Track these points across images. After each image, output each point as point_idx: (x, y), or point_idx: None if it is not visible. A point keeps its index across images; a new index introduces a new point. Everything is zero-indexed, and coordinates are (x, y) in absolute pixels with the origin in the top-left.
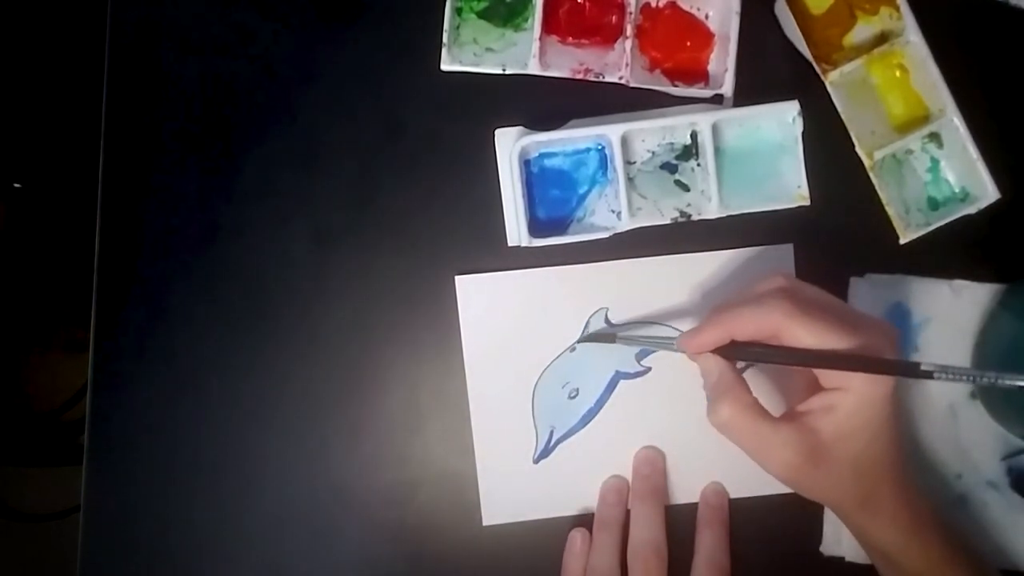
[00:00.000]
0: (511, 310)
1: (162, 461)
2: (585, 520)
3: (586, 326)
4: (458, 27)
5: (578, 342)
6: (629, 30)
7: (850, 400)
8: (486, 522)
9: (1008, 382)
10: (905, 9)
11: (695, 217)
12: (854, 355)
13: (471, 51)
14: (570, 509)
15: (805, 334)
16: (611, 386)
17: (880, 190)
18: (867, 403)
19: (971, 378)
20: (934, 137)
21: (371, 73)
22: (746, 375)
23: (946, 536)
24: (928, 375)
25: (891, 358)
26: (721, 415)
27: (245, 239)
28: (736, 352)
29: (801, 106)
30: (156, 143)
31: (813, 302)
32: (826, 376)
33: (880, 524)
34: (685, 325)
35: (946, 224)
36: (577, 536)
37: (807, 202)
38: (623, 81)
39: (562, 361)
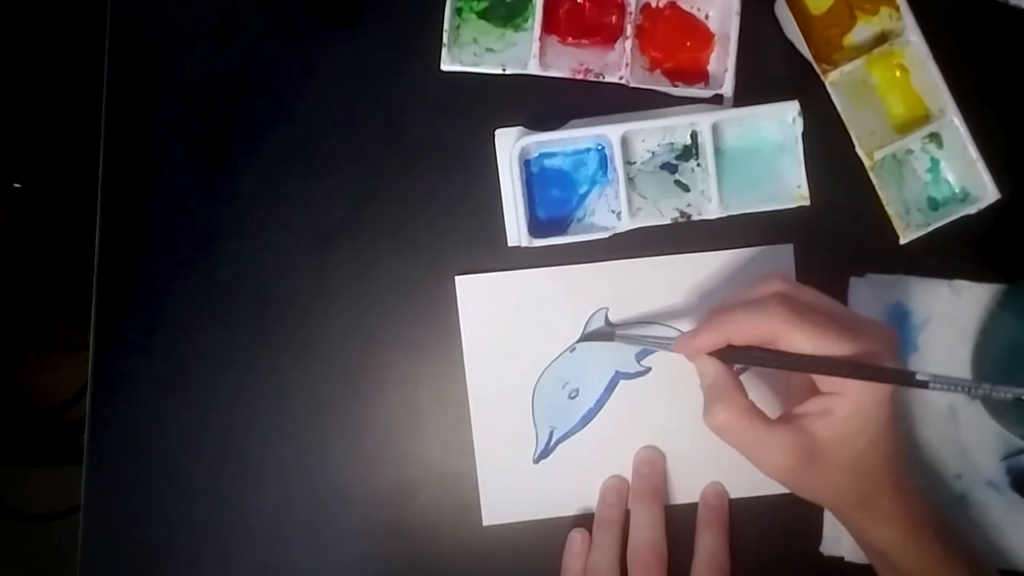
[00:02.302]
0: (511, 310)
1: (162, 461)
2: (585, 520)
3: (586, 326)
4: (458, 27)
5: (577, 342)
6: (629, 30)
7: (846, 405)
8: (486, 522)
9: (1002, 394)
10: (905, 9)
11: (695, 217)
12: (850, 362)
13: (471, 51)
14: (570, 509)
15: (802, 340)
16: (611, 386)
17: (880, 190)
18: (864, 408)
19: (966, 389)
20: (934, 137)
21: (371, 73)
22: (743, 376)
23: (945, 537)
24: (923, 384)
25: (888, 365)
26: (716, 417)
27: (245, 239)
28: (732, 355)
29: (801, 106)
30: (156, 143)
31: (811, 307)
32: (823, 380)
33: (878, 525)
34: (685, 325)
35: (946, 224)
36: (577, 536)
37: (807, 202)
38: (623, 81)
39: (562, 361)
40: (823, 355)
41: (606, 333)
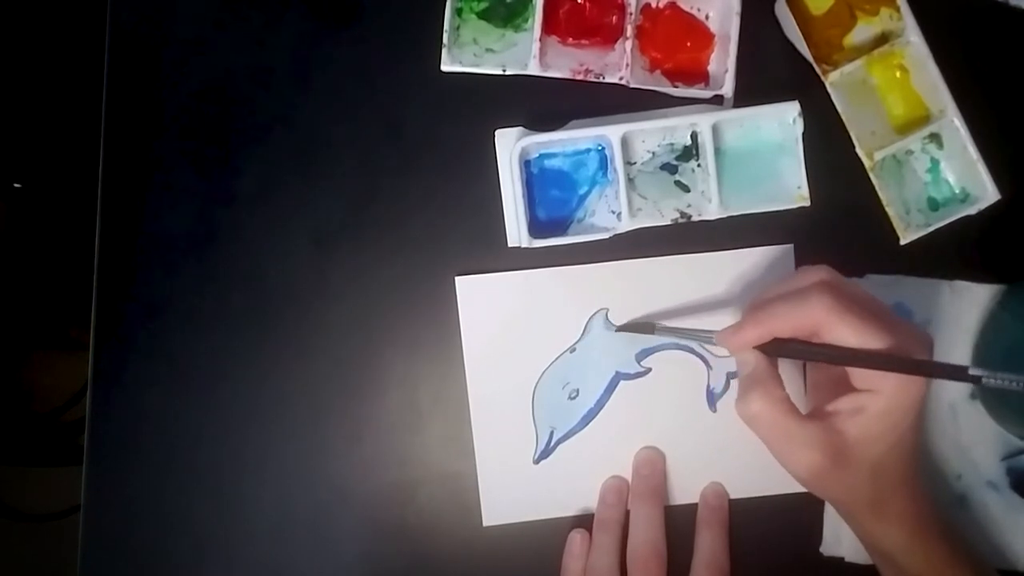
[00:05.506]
0: (511, 311)
1: (162, 461)
2: (585, 520)
3: (586, 327)
4: (458, 27)
5: (618, 329)
6: (629, 30)
7: (880, 402)
8: (486, 522)
9: None
10: (905, 9)
11: (695, 218)
12: (899, 356)
13: (471, 52)
14: (570, 509)
15: (848, 332)
16: (611, 387)
17: (880, 191)
18: (896, 407)
19: (1021, 385)
20: (934, 138)
21: (371, 73)
22: None
23: (950, 540)
24: (976, 380)
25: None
26: (751, 407)
27: (245, 239)
28: (777, 350)
29: (801, 107)
30: (156, 143)
31: (856, 300)
32: (859, 377)
33: (886, 526)
34: (686, 326)
35: (946, 225)
36: (576, 537)
37: (807, 202)
38: (623, 82)
39: (562, 362)
40: (870, 348)
41: (646, 325)
